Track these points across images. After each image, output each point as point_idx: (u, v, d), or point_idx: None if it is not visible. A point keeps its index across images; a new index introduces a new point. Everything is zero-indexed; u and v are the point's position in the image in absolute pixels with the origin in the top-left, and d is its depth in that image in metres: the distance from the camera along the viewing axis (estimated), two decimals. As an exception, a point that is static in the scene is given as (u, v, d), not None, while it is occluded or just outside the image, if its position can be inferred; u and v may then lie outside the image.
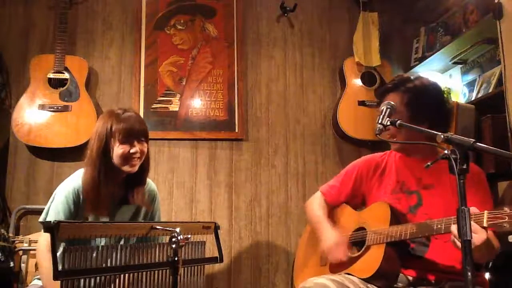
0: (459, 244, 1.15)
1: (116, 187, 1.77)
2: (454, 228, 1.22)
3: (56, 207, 1.71)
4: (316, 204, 1.87)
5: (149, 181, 1.95)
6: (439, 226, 1.35)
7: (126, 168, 1.74)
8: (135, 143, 1.73)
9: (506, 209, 1.17)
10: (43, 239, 1.71)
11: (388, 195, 1.66)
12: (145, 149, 1.78)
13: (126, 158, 1.72)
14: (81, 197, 1.74)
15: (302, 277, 1.83)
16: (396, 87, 1.65)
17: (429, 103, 1.62)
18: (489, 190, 1.58)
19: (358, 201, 1.81)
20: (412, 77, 1.68)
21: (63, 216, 1.69)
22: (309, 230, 1.97)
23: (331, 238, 1.66)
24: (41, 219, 1.75)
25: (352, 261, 1.58)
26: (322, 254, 1.71)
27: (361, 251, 1.57)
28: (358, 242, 1.64)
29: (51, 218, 1.70)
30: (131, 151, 1.72)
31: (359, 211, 1.74)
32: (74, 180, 1.77)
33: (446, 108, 1.67)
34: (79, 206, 1.74)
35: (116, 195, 1.78)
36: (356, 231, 1.66)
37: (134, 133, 1.73)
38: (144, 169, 1.83)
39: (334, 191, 1.85)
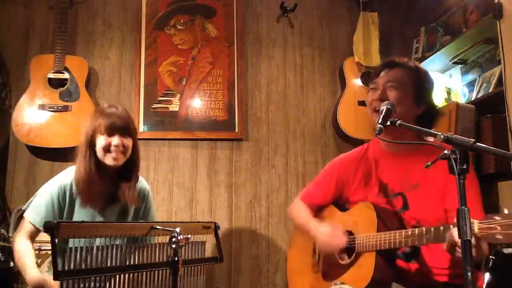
0: (458, 250, 1.14)
1: (105, 184, 1.78)
2: (449, 235, 1.19)
3: (38, 202, 1.75)
4: (300, 210, 1.81)
5: (142, 179, 1.95)
6: (428, 236, 1.30)
7: (108, 161, 1.74)
8: (117, 136, 1.73)
9: (497, 217, 1.09)
10: (21, 227, 1.77)
11: (371, 199, 1.59)
12: (129, 144, 1.78)
13: (107, 149, 1.73)
14: (67, 193, 1.76)
15: (297, 285, 1.81)
16: (403, 64, 1.61)
17: (429, 86, 1.61)
18: (477, 184, 1.50)
19: (342, 202, 1.75)
20: (409, 61, 1.66)
21: (44, 212, 1.72)
22: (298, 235, 1.91)
23: (325, 230, 1.61)
24: (24, 207, 1.80)
25: (344, 268, 1.54)
26: (319, 250, 1.66)
27: (351, 258, 1.53)
28: (347, 248, 1.58)
29: (32, 212, 1.75)
30: (112, 143, 1.72)
31: (345, 213, 1.68)
32: (62, 177, 1.80)
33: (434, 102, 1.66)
34: (67, 202, 1.76)
35: (105, 192, 1.79)
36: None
37: (116, 126, 1.73)
38: (131, 166, 1.82)
39: (315, 198, 1.80)
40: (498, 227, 1.08)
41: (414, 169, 1.53)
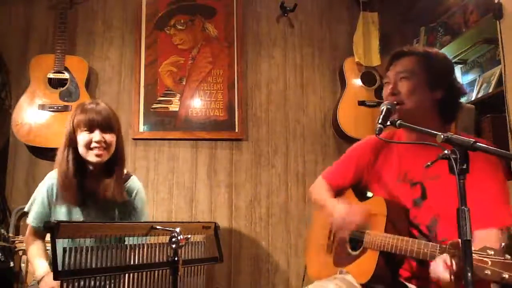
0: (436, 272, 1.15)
1: (87, 181, 1.76)
2: (436, 263, 1.18)
3: (34, 203, 1.80)
4: (320, 187, 1.79)
5: (133, 178, 1.91)
6: (425, 251, 1.27)
7: (91, 158, 1.72)
8: (98, 131, 1.71)
9: (489, 251, 1.05)
10: (27, 231, 1.83)
11: (390, 186, 1.58)
12: (112, 140, 1.75)
13: (89, 146, 1.71)
14: (54, 192, 1.78)
15: (310, 264, 1.84)
16: (411, 52, 1.56)
17: (444, 68, 1.55)
18: (503, 179, 1.42)
19: (362, 186, 1.72)
20: (418, 47, 1.63)
21: (39, 213, 1.77)
22: (318, 214, 1.89)
23: (341, 209, 1.58)
24: (26, 209, 1.84)
25: (351, 258, 1.56)
26: (335, 229, 1.64)
27: (359, 251, 1.55)
28: (358, 239, 1.59)
29: (30, 215, 1.80)
30: (93, 139, 1.70)
31: (361, 203, 1.66)
32: (50, 176, 1.82)
33: (456, 79, 1.59)
34: (54, 200, 1.78)
35: (86, 190, 1.76)
36: None
37: (96, 121, 1.71)
38: (115, 162, 1.79)
39: (336, 177, 1.77)
40: (489, 262, 1.03)
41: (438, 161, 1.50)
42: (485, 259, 1.04)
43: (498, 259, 1.03)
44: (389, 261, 1.44)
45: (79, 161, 1.74)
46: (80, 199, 1.76)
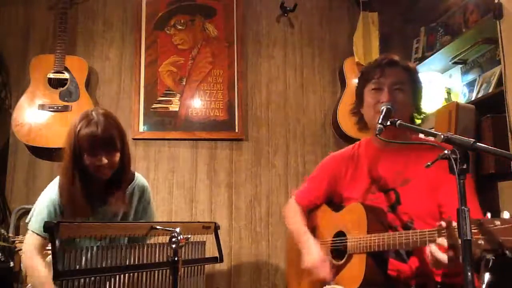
0: (438, 257, 1.17)
1: (97, 190, 1.75)
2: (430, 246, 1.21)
3: (39, 211, 1.72)
4: (293, 213, 1.80)
5: (138, 176, 1.89)
6: (415, 239, 1.30)
7: (99, 176, 1.71)
8: (103, 156, 1.66)
9: (477, 222, 1.08)
10: (29, 242, 1.69)
11: (364, 195, 1.59)
12: (116, 159, 1.70)
13: (94, 169, 1.68)
14: (61, 206, 1.73)
15: (293, 281, 1.82)
16: (402, 65, 1.59)
17: (421, 87, 1.64)
18: (472, 182, 1.47)
19: (336, 200, 1.73)
20: (405, 60, 1.67)
21: (47, 219, 1.66)
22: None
23: (314, 256, 1.59)
24: (27, 220, 1.75)
25: (337, 269, 1.55)
26: (306, 270, 1.63)
27: (344, 260, 1.53)
28: (340, 249, 1.58)
29: (35, 223, 1.70)
30: (97, 163, 1.66)
31: (337, 213, 1.66)
32: (54, 190, 1.76)
33: None
34: (62, 208, 1.73)
35: (97, 197, 1.75)
36: (336, 236, 1.61)
37: (99, 147, 1.65)
38: (120, 173, 1.76)
39: (308, 196, 1.79)
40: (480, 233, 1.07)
41: (406, 165, 1.53)
42: (475, 230, 1.06)
43: (491, 225, 1.05)
44: (378, 260, 1.44)
45: (85, 175, 1.71)
46: (93, 211, 1.73)
